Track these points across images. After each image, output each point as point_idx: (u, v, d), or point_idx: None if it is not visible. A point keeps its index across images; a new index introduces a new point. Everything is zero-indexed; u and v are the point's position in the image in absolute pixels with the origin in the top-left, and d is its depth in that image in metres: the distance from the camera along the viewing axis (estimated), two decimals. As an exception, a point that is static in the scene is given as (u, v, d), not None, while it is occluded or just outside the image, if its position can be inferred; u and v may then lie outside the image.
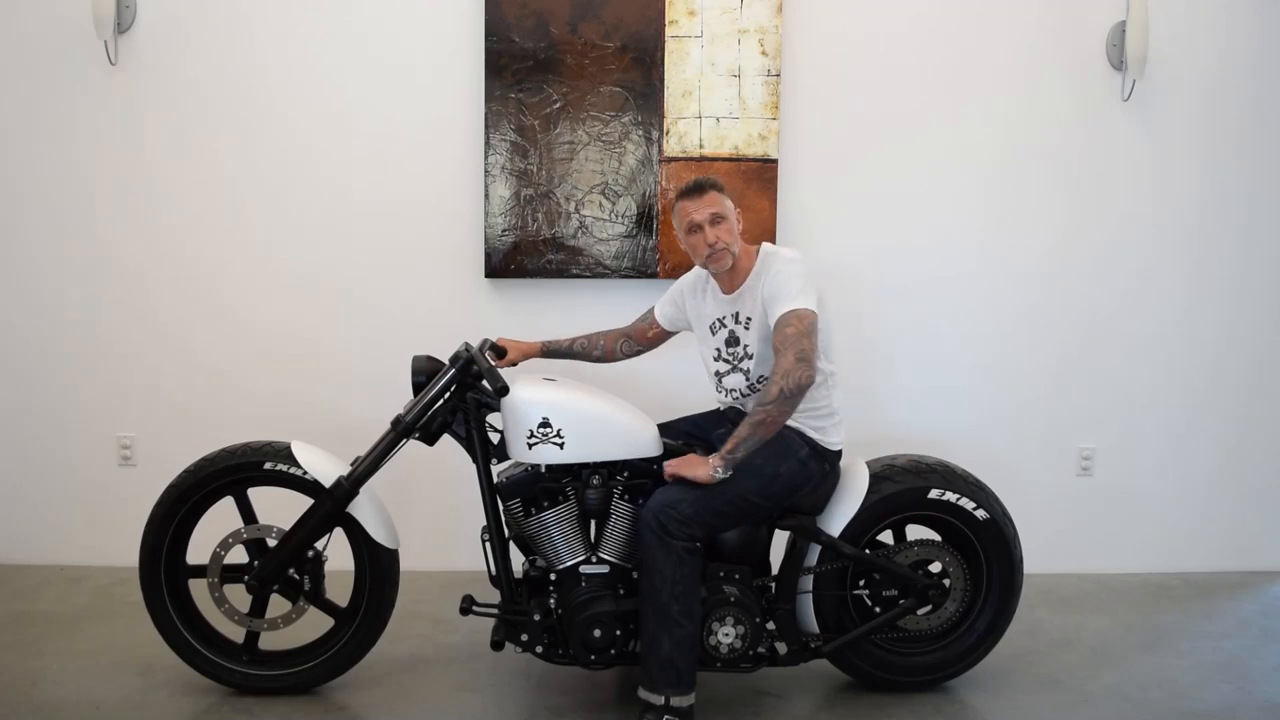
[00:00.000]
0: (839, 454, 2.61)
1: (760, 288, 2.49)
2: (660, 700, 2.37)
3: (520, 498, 2.52)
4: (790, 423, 2.49)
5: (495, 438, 2.60)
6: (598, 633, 2.45)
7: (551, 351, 2.89)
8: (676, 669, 2.37)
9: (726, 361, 2.61)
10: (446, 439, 2.63)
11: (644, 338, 2.92)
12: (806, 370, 2.33)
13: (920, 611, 2.66)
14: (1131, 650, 3.03)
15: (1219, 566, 3.80)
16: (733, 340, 2.59)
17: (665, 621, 2.36)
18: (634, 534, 2.51)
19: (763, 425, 2.36)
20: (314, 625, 2.68)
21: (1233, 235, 3.72)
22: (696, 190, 2.52)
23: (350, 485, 2.50)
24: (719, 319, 2.63)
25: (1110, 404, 3.74)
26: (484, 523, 2.57)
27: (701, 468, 2.40)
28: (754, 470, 2.44)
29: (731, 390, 2.62)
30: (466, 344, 2.60)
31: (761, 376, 2.54)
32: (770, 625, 2.59)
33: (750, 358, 2.55)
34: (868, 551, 2.63)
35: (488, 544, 2.57)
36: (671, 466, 2.44)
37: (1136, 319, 3.73)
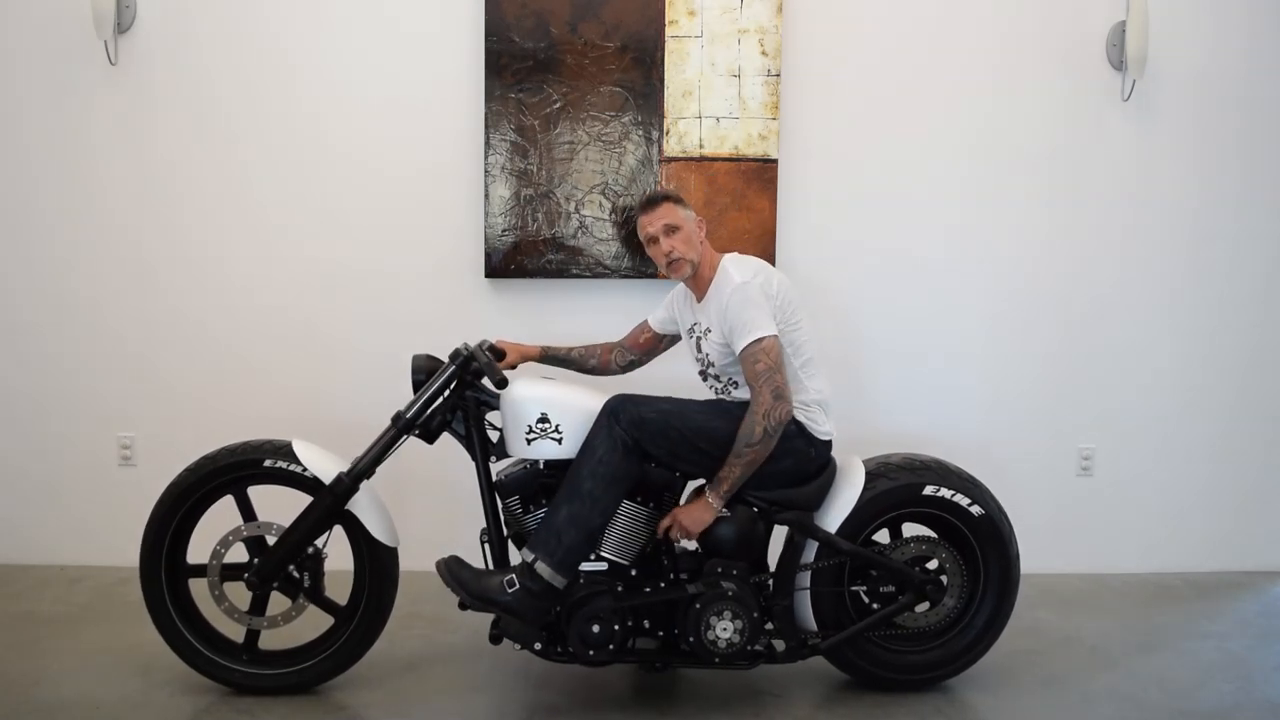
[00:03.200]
0: (828, 444, 2.63)
1: (719, 309, 2.55)
2: (530, 558, 2.38)
3: (519, 495, 2.54)
4: None
5: (495, 436, 2.61)
6: (596, 628, 2.45)
7: (550, 357, 2.92)
8: (559, 539, 2.37)
9: (701, 363, 2.71)
10: (446, 439, 2.64)
11: (637, 344, 2.96)
12: (784, 406, 2.45)
13: (918, 608, 2.66)
14: (1131, 650, 3.03)
15: (1219, 566, 3.80)
16: (698, 347, 2.68)
17: (573, 494, 2.38)
18: (632, 531, 2.52)
19: (751, 463, 2.45)
20: (314, 625, 2.68)
21: (1233, 235, 3.72)
22: (650, 204, 2.62)
23: (351, 480, 2.51)
24: (693, 326, 2.71)
25: (1110, 404, 3.74)
26: (483, 524, 2.58)
27: (700, 511, 2.47)
28: (733, 418, 2.49)
29: (713, 388, 2.72)
30: (465, 343, 2.62)
31: (732, 379, 2.61)
32: (769, 625, 2.59)
33: (713, 365, 2.64)
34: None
35: (487, 546, 2.59)
36: (677, 519, 2.49)
37: (1137, 319, 3.73)
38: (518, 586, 2.37)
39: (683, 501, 2.64)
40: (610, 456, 2.39)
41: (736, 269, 2.56)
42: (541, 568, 2.37)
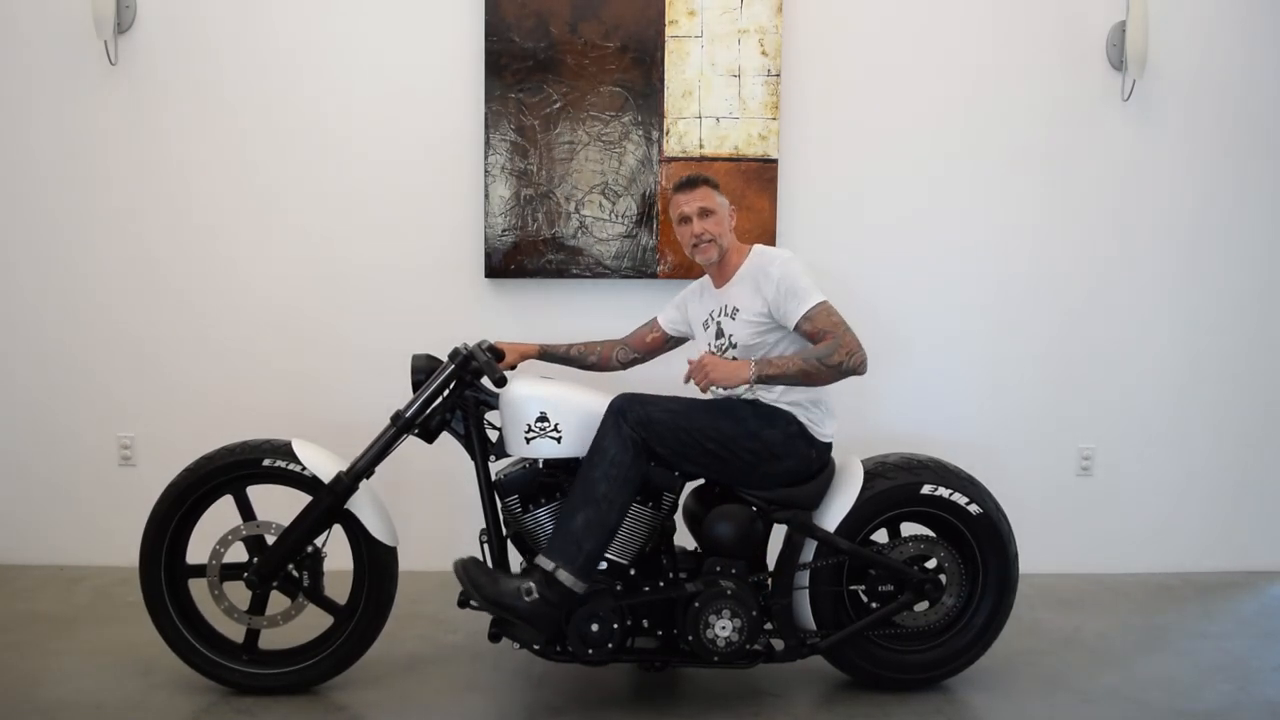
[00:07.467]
0: (828, 447, 2.63)
1: (757, 283, 2.56)
2: (550, 566, 2.35)
3: (518, 494, 2.53)
4: (785, 406, 2.55)
5: (494, 436, 2.61)
6: (595, 627, 2.45)
7: (549, 355, 2.92)
8: (579, 545, 2.35)
9: (718, 354, 2.67)
10: (445, 438, 2.64)
11: (642, 344, 2.96)
12: (864, 357, 2.45)
13: (917, 608, 2.66)
14: (1131, 650, 3.03)
15: (1219, 566, 3.80)
16: (720, 333, 2.66)
17: (588, 498, 2.36)
18: (632, 530, 2.52)
19: (805, 375, 2.43)
20: (314, 625, 2.68)
21: (1233, 235, 3.72)
22: (689, 185, 2.65)
23: (350, 480, 2.51)
24: (710, 314, 2.71)
25: (1110, 404, 3.74)
26: (483, 524, 2.58)
27: (737, 371, 2.42)
28: (738, 418, 2.49)
29: None
30: (465, 343, 2.62)
31: None
32: (768, 625, 2.59)
33: (734, 347, 2.62)
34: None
35: (486, 546, 2.58)
36: (702, 362, 2.44)
37: (1137, 319, 3.73)
38: (536, 596, 2.33)
39: (682, 501, 2.64)
40: (622, 457, 2.38)
41: (778, 250, 2.64)
42: (564, 576, 2.34)
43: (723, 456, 2.48)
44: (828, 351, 2.42)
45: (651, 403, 2.45)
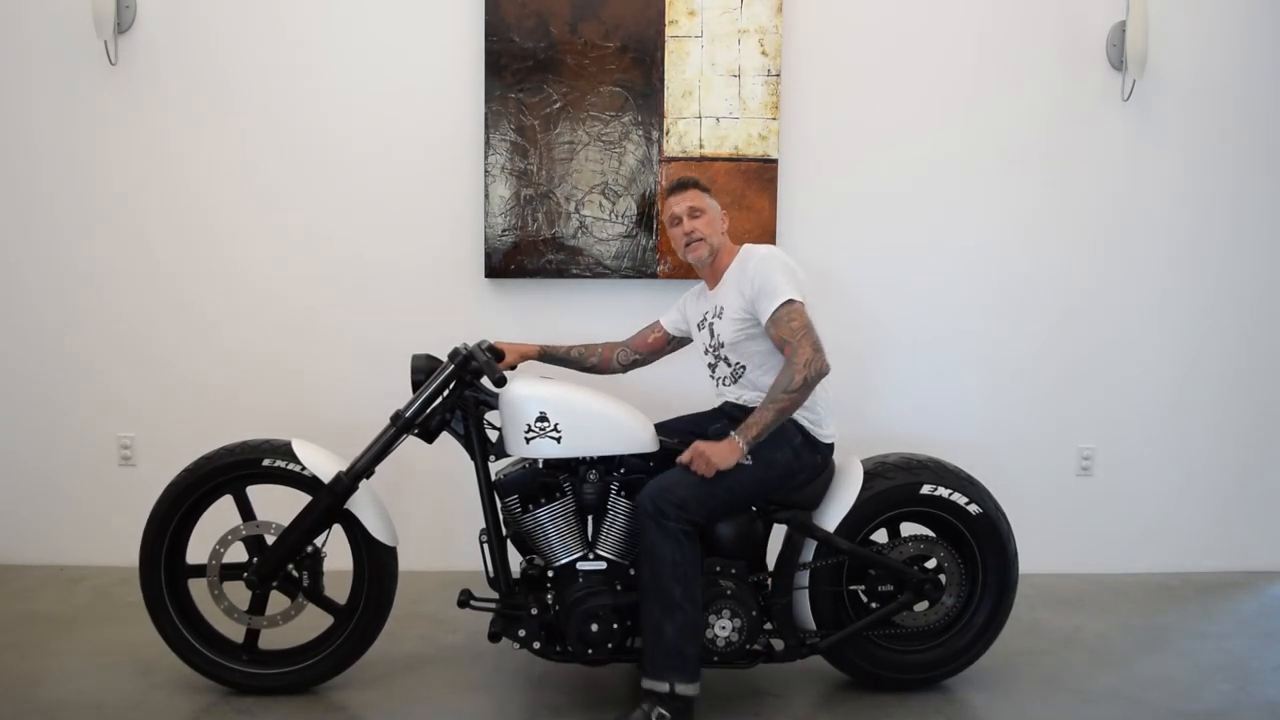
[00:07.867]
0: (831, 447, 2.63)
1: (738, 282, 2.58)
2: (665, 688, 2.35)
3: (518, 494, 2.53)
4: None
5: (494, 436, 2.61)
6: (595, 627, 2.46)
7: (549, 356, 2.92)
8: (682, 655, 2.36)
9: (712, 353, 2.70)
10: (445, 438, 2.64)
11: (644, 345, 2.96)
12: (823, 359, 2.44)
13: (916, 608, 2.66)
14: (1131, 650, 3.03)
15: (1219, 566, 3.80)
16: (711, 333, 2.68)
17: (669, 607, 2.35)
18: (631, 530, 2.52)
19: (783, 413, 2.43)
20: (313, 625, 2.68)
21: (1233, 235, 3.72)
22: (680, 187, 2.70)
23: (350, 480, 2.51)
24: (704, 315, 2.73)
25: (1110, 404, 3.74)
26: (483, 524, 2.57)
27: (730, 454, 2.40)
28: (745, 464, 2.46)
29: (722, 378, 2.69)
30: (465, 343, 2.62)
31: (740, 363, 2.61)
32: (768, 625, 2.59)
33: (723, 345, 2.63)
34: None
35: (486, 546, 2.58)
36: (700, 451, 2.41)
37: (1137, 319, 3.73)
38: (670, 716, 2.34)
39: None
40: (680, 554, 2.37)
41: (762, 247, 2.65)
42: (684, 689, 2.34)
43: (747, 497, 2.51)
44: (787, 381, 2.41)
45: (676, 484, 2.42)
